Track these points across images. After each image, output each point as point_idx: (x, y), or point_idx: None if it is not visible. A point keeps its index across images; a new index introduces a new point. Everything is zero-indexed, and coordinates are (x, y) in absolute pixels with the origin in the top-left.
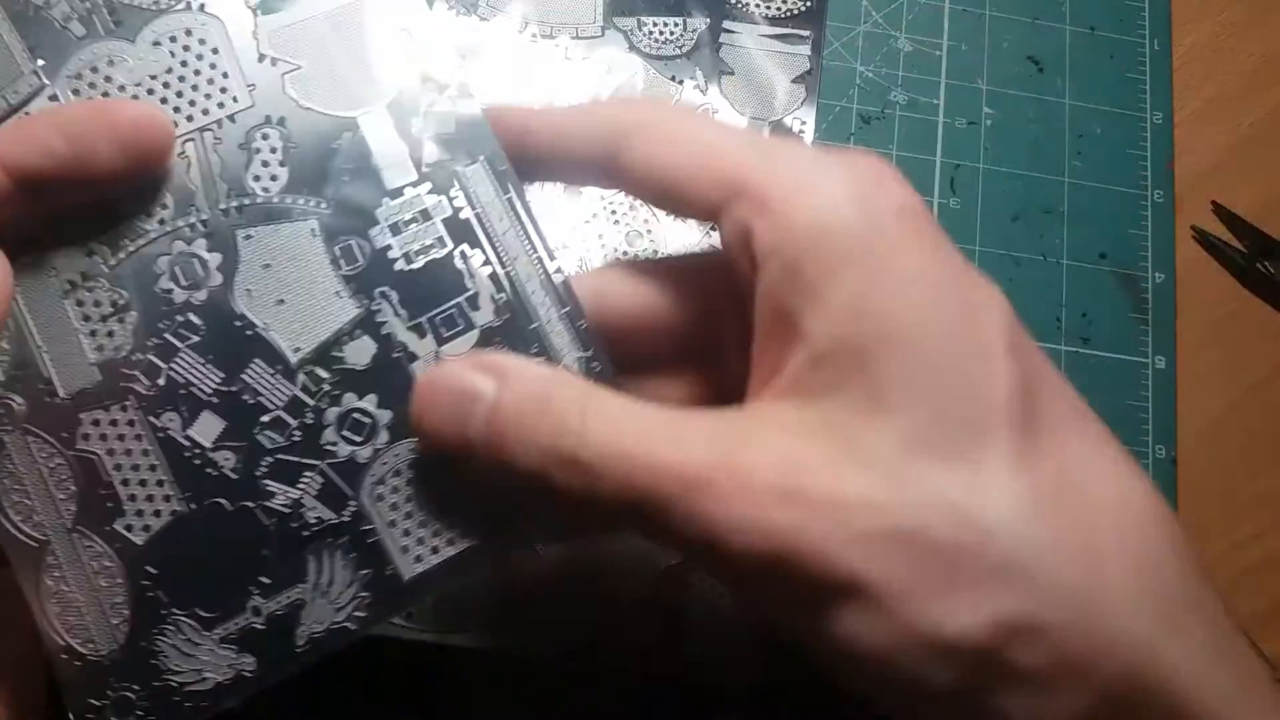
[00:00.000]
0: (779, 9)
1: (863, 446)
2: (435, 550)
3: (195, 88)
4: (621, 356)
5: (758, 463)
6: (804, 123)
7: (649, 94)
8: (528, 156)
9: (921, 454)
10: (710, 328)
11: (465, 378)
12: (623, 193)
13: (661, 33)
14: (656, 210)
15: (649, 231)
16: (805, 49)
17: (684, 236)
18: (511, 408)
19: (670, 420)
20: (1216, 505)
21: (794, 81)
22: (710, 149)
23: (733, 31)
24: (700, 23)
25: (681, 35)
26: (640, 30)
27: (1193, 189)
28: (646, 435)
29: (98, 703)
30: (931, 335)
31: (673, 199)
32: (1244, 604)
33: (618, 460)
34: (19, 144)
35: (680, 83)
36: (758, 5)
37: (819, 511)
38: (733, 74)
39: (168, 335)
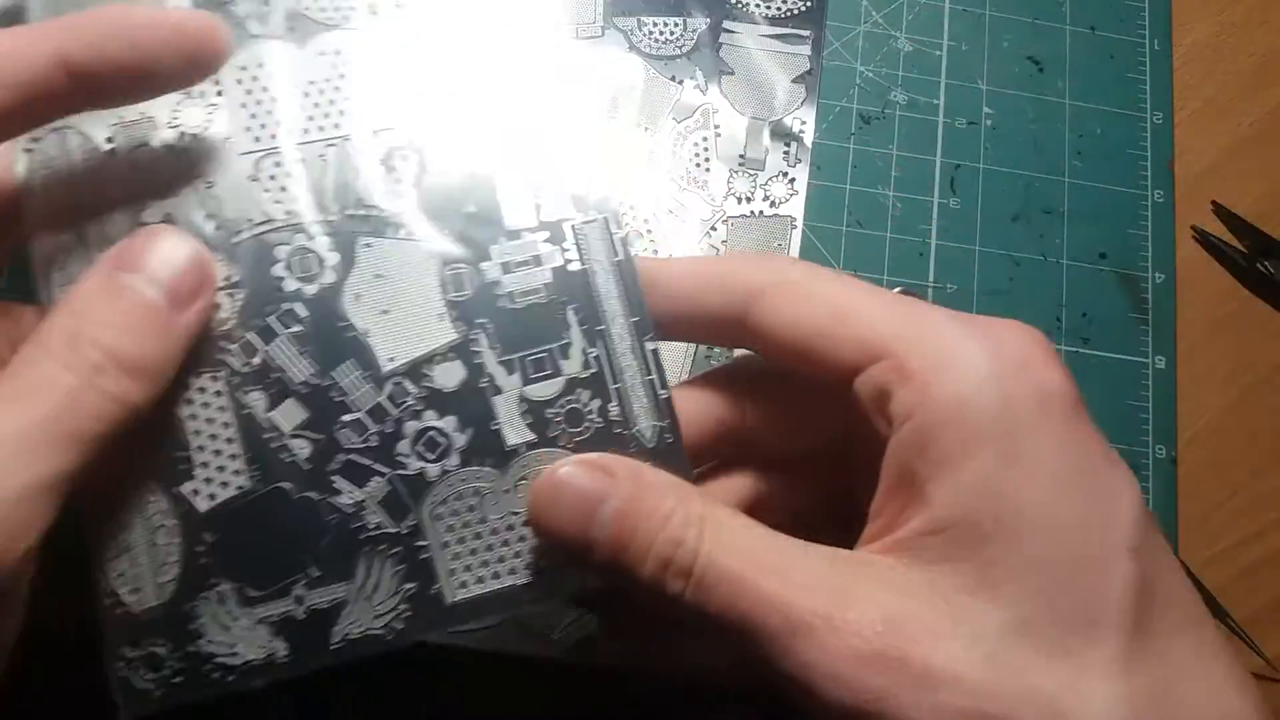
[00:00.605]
0: (779, 9)
1: (967, 622)
2: (481, 581)
3: (349, 99)
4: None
5: (860, 618)
6: (804, 122)
7: (649, 94)
8: (654, 310)
9: (1024, 642)
10: (839, 446)
11: (590, 480)
12: (752, 349)
13: (661, 33)
14: (658, 212)
15: (649, 231)
16: (805, 49)
17: (685, 239)
18: (633, 515)
19: (782, 552)
20: (1216, 505)
21: (794, 81)
22: (849, 310)
23: (733, 31)
24: (700, 23)
25: (681, 35)
26: (640, 30)
27: (1193, 189)
28: (757, 563)
29: (130, 653)
30: (1054, 527)
31: (807, 358)
32: (1244, 603)
33: (728, 583)
34: (79, 42)
35: (680, 83)
36: (758, 5)
37: (910, 679)
38: (733, 74)
39: (271, 320)
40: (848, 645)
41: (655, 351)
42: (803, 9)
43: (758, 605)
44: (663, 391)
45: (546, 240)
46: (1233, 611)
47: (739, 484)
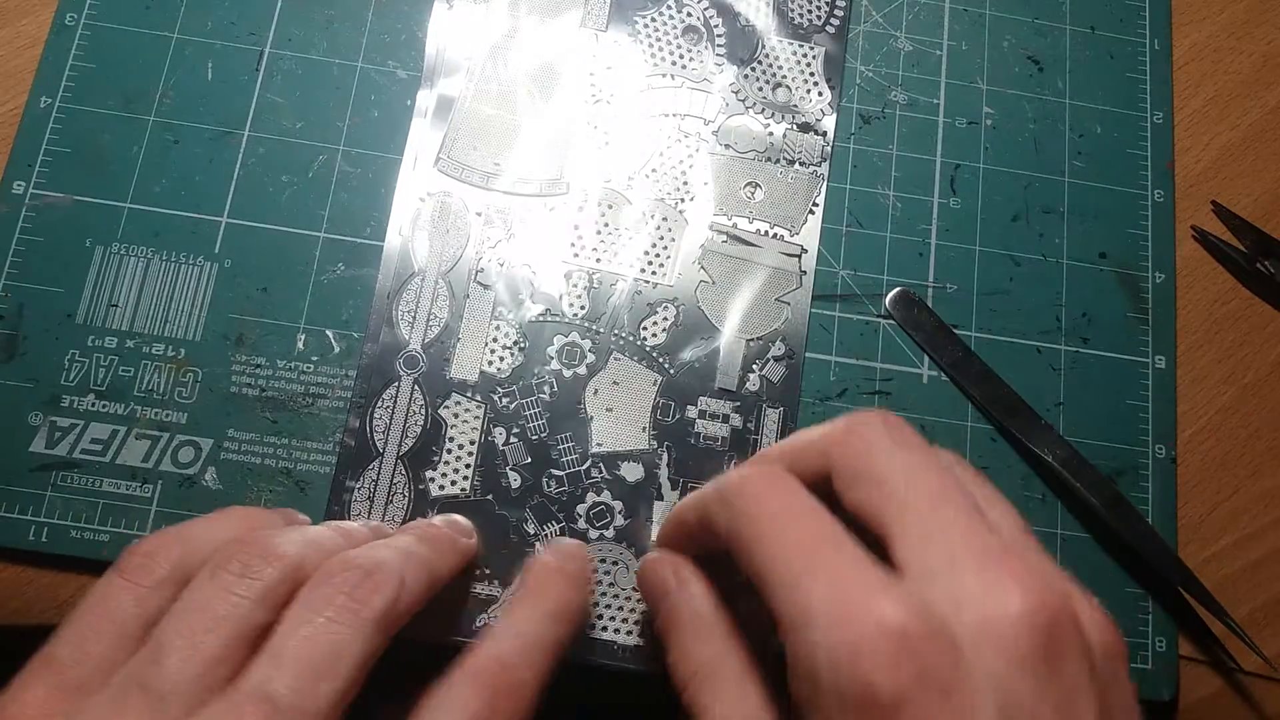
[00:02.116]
0: None
1: None
2: (592, 626)
3: (653, 258)
4: None
5: None
6: None
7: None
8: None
9: None
10: None
11: (669, 576)
12: None
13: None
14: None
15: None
16: None
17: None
18: (673, 617)
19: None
20: (1216, 504)
21: None
22: None
23: None
24: None
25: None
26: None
27: (1193, 189)
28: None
29: None
30: None
31: None
32: (1244, 602)
33: (699, 712)
34: (447, 562)
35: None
36: None
37: None
38: None
39: (534, 383)
40: None
41: None
42: None
43: None
44: None
45: (737, 408)
46: (1233, 611)
47: None
